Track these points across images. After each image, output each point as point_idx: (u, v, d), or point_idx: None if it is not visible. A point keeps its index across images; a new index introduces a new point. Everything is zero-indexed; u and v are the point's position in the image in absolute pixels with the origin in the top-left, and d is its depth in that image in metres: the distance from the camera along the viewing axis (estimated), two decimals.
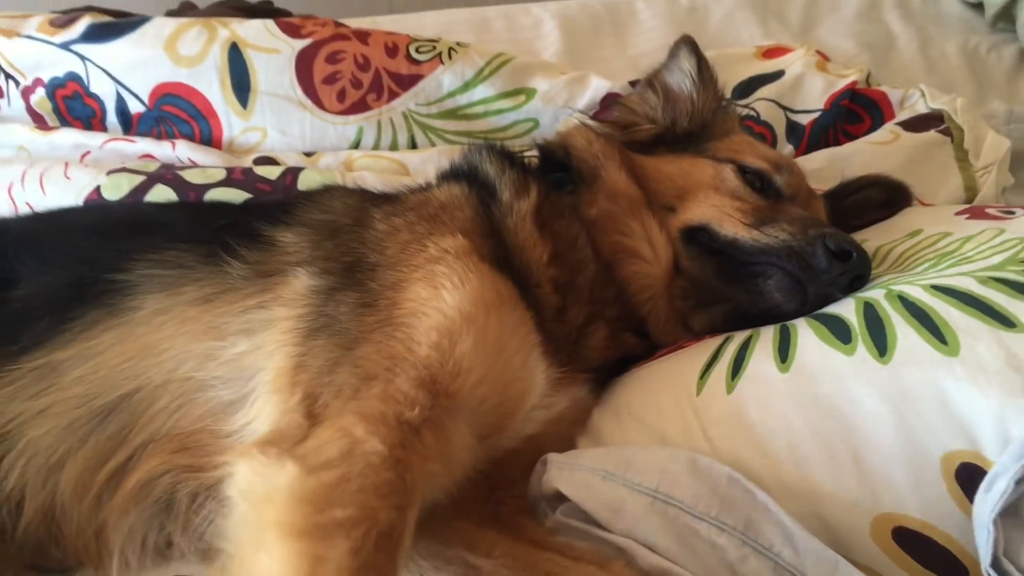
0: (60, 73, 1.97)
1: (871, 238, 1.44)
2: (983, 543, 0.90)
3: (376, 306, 1.11)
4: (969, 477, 0.98)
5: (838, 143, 1.93)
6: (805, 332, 1.17)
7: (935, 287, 1.14)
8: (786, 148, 1.93)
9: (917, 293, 1.14)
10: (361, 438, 0.94)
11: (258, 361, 1.11)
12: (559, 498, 1.15)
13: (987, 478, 0.94)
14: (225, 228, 1.26)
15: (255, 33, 1.93)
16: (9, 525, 1.15)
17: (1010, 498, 0.91)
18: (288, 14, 2.60)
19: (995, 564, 0.89)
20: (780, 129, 1.95)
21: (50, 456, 1.12)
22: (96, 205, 1.65)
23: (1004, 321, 1.06)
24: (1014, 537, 0.91)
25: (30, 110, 2.03)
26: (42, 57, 1.99)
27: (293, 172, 1.71)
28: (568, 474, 1.12)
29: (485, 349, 1.09)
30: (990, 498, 0.92)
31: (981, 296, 1.10)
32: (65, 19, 2.02)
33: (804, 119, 1.96)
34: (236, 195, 1.66)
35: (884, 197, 1.61)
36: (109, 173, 1.73)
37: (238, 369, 1.12)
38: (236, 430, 1.10)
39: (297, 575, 0.82)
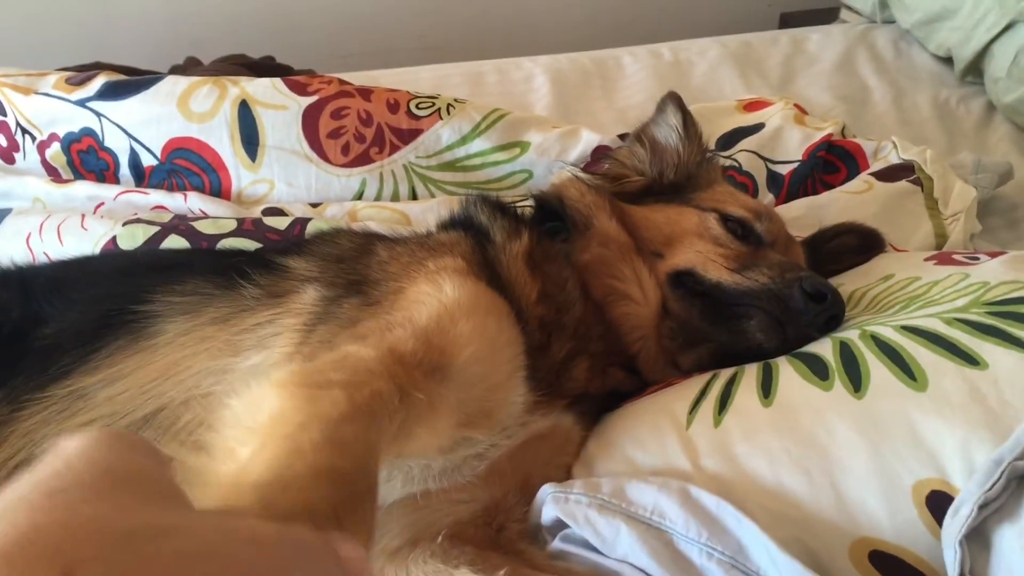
0: (76, 129, 2.07)
1: (847, 282, 1.53)
2: (951, 563, 0.98)
3: (378, 304, 1.19)
4: (938, 503, 1.06)
5: (816, 192, 2.02)
6: (786, 369, 1.26)
7: (905, 327, 1.23)
8: (767, 197, 2.02)
9: (888, 333, 1.23)
10: (355, 350, 0.98)
11: (268, 364, 1.18)
12: (559, 526, 1.22)
13: (954, 504, 1.03)
14: (242, 261, 1.35)
15: (263, 91, 2.03)
16: None
17: (974, 522, 0.99)
18: (290, 69, 2.73)
19: None
20: (761, 179, 2.05)
21: None
22: (117, 252, 1.73)
23: (968, 359, 1.15)
24: (979, 557, 0.99)
25: (45, 163, 2.12)
26: (58, 114, 2.08)
27: (302, 222, 1.80)
28: (567, 503, 1.20)
29: (481, 338, 1.14)
30: (956, 522, 1.00)
31: (947, 336, 1.19)
32: (81, 77, 2.11)
33: (784, 169, 2.06)
34: (247, 244, 1.74)
35: (859, 243, 1.70)
36: (124, 224, 1.81)
37: (253, 378, 1.19)
38: None
39: (296, 410, 0.82)
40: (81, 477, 0.41)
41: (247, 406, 0.87)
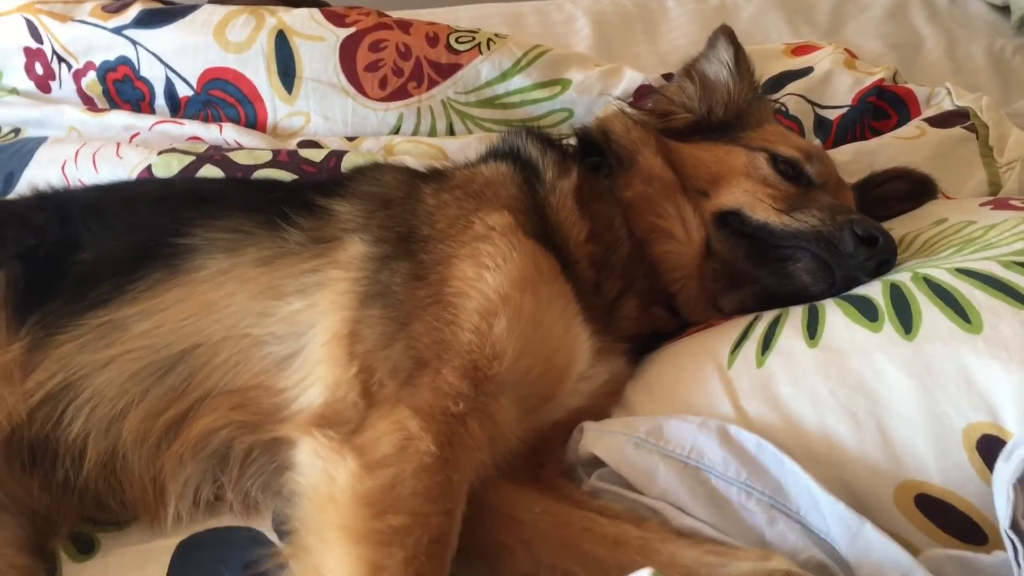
0: (112, 57, 2.05)
1: (897, 227, 1.49)
2: (1002, 507, 0.95)
3: (427, 280, 1.18)
4: (989, 448, 1.03)
5: (865, 138, 1.97)
6: (833, 311, 1.23)
7: (960, 270, 1.19)
8: (814, 142, 1.97)
9: (942, 275, 1.19)
10: (415, 434, 1.04)
11: (312, 318, 1.18)
12: (595, 463, 1.20)
13: (1007, 447, 0.99)
14: (281, 199, 1.33)
15: (301, 21, 2.00)
16: (72, 475, 1.21)
17: None
18: (327, 4, 2.67)
19: (1014, 526, 0.94)
20: (808, 123, 2.00)
21: (114, 405, 1.18)
22: (154, 179, 1.72)
23: None
24: None
25: (80, 92, 2.11)
26: (94, 41, 2.07)
27: (337, 155, 1.78)
28: (603, 440, 1.18)
29: (521, 326, 1.16)
30: (1010, 466, 0.96)
31: (1004, 279, 1.15)
32: (118, 5, 2.10)
33: (832, 114, 2.01)
34: (282, 176, 1.73)
35: (910, 189, 1.65)
36: (160, 153, 1.80)
37: (292, 325, 1.18)
38: (289, 386, 1.17)
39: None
40: None
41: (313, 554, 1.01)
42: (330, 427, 1.08)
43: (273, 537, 1.21)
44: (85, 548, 1.25)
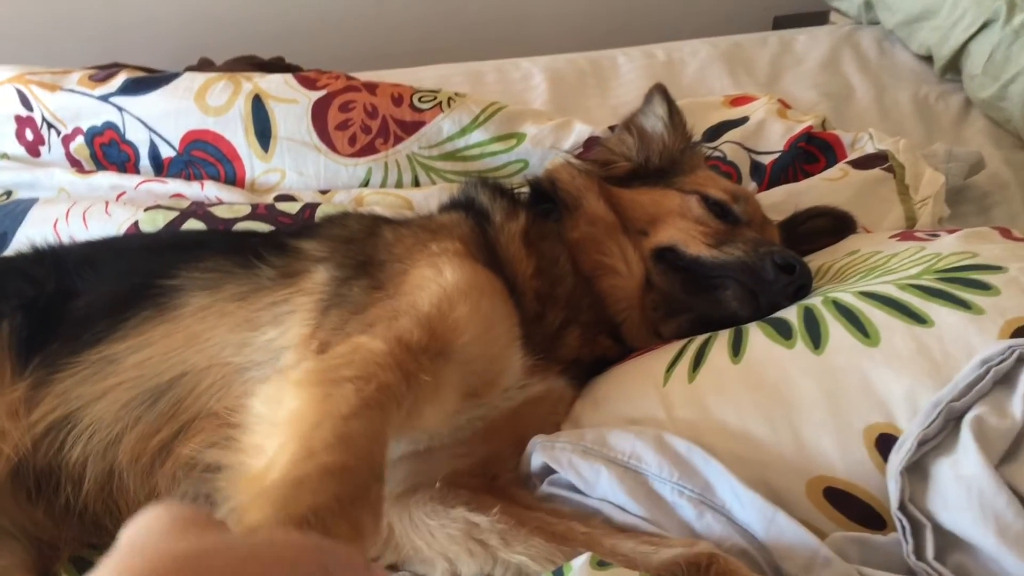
0: (99, 122, 2.20)
1: (817, 259, 1.64)
2: (893, 492, 1.10)
3: (384, 288, 1.31)
4: (886, 444, 1.18)
5: (796, 180, 2.14)
6: (754, 332, 1.39)
7: (862, 292, 1.36)
8: (750, 185, 2.14)
9: (848, 298, 1.36)
10: (365, 342, 1.13)
11: (285, 342, 1.31)
12: (547, 471, 1.34)
13: (898, 442, 1.15)
14: (257, 243, 1.47)
15: (276, 86, 2.16)
16: (72, 498, 1.33)
17: (914, 456, 1.11)
18: (299, 68, 2.85)
19: (902, 507, 1.09)
20: (745, 169, 2.17)
21: (110, 430, 1.30)
22: (141, 233, 1.86)
23: (917, 318, 1.27)
24: (918, 487, 1.11)
25: (69, 156, 2.25)
26: (82, 108, 2.21)
27: (311, 207, 1.92)
28: (553, 450, 1.32)
29: (478, 318, 1.27)
30: (899, 456, 1.12)
31: (899, 299, 1.31)
32: (103, 74, 2.24)
33: (766, 159, 2.18)
34: (261, 227, 1.87)
35: (832, 225, 1.81)
36: (146, 209, 1.93)
37: (269, 352, 1.31)
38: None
39: (304, 408, 1.00)
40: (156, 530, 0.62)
41: (270, 403, 1.07)
42: (287, 369, 1.18)
43: None
44: (85, 570, 1.36)
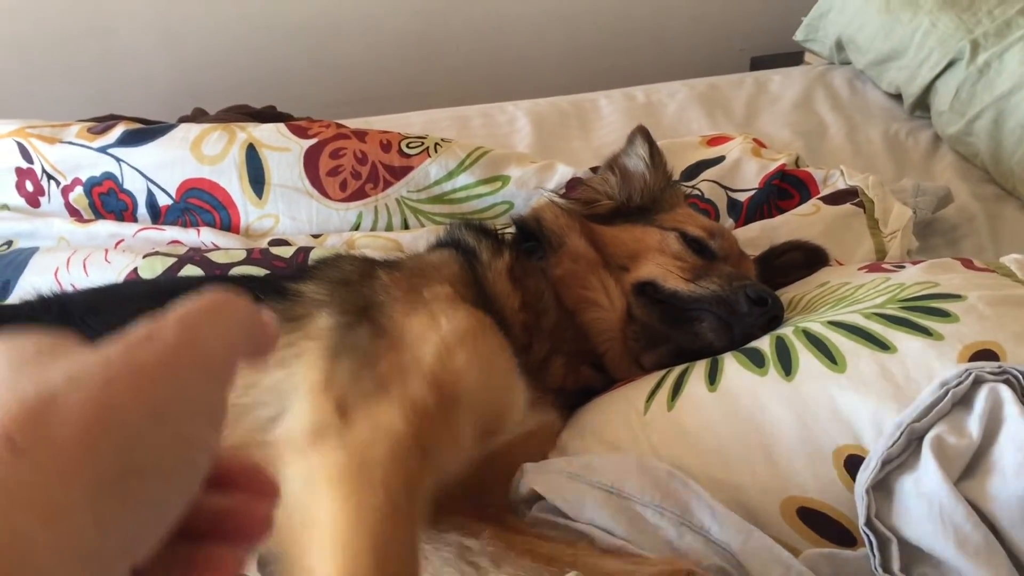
0: (97, 173, 2.27)
1: (789, 291, 1.72)
2: (860, 508, 1.17)
3: (387, 335, 1.37)
4: (854, 465, 1.24)
5: (772, 216, 2.22)
6: (730, 361, 1.46)
7: (830, 322, 1.43)
8: (727, 222, 2.22)
9: (816, 327, 1.43)
10: (388, 421, 1.18)
11: (293, 383, 1.36)
12: (534, 498, 1.40)
13: (864, 462, 1.22)
14: (256, 287, 1.54)
15: (268, 135, 2.24)
16: None
17: (879, 475, 1.18)
18: (290, 116, 2.94)
19: (868, 523, 1.15)
20: (722, 205, 2.25)
21: None
22: (141, 280, 1.92)
23: (881, 345, 1.35)
24: (884, 504, 1.17)
25: (68, 206, 2.32)
26: (81, 160, 2.28)
27: (304, 251, 1.99)
28: (540, 476, 1.38)
29: (476, 360, 1.34)
30: (864, 475, 1.18)
31: (864, 327, 1.39)
32: (102, 127, 2.32)
33: (742, 196, 2.27)
34: (256, 271, 1.93)
35: (805, 259, 1.89)
36: (144, 256, 2.00)
37: (276, 392, 1.37)
38: (278, 438, 1.35)
39: (346, 516, 1.06)
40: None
41: (303, 487, 1.12)
42: (316, 437, 1.20)
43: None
44: None
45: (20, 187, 2.36)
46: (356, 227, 2.20)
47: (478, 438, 1.34)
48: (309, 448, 1.20)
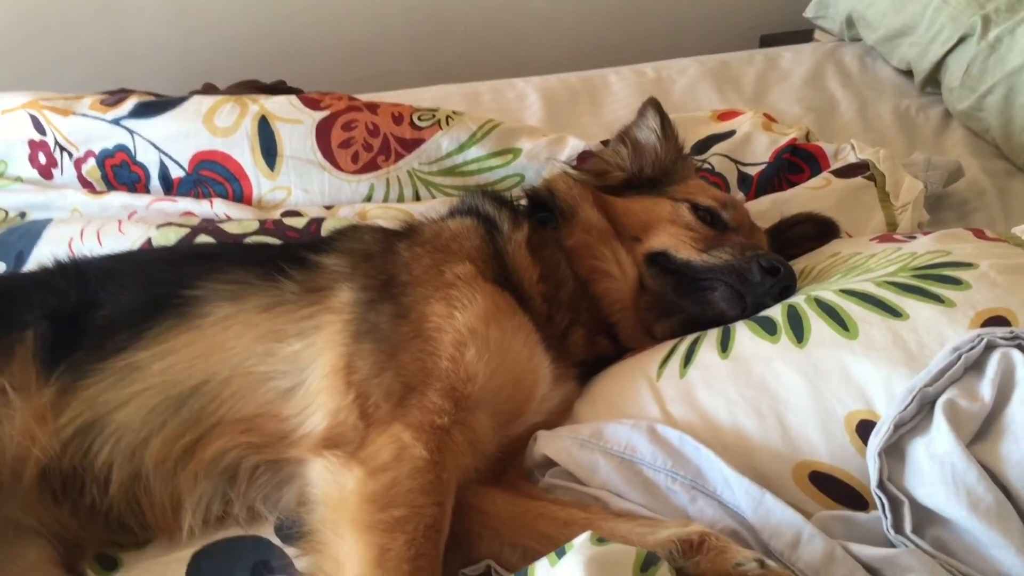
0: (110, 145, 2.27)
1: (801, 262, 1.72)
2: (872, 471, 1.18)
3: (408, 318, 1.40)
4: (866, 430, 1.26)
5: (782, 190, 2.22)
6: (741, 329, 1.47)
7: (842, 290, 1.44)
8: (738, 195, 2.22)
9: (829, 295, 1.44)
10: (408, 444, 1.26)
11: (311, 355, 1.39)
12: (548, 464, 1.42)
13: (877, 425, 1.23)
14: (276, 255, 1.55)
15: (280, 107, 2.24)
16: (98, 499, 1.40)
17: (891, 439, 1.19)
18: (301, 92, 2.93)
19: (881, 486, 1.17)
20: (732, 179, 2.25)
21: (137, 435, 1.38)
22: (159, 247, 1.93)
23: (892, 312, 1.35)
24: (895, 467, 1.19)
25: (81, 178, 2.32)
26: (94, 132, 2.28)
27: (317, 222, 2.00)
28: (553, 443, 1.40)
29: (489, 353, 1.38)
30: (877, 438, 1.20)
31: (876, 295, 1.40)
32: (114, 99, 2.33)
33: (753, 170, 2.27)
34: (269, 242, 1.94)
35: (816, 230, 1.89)
36: (158, 227, 2.01)
37: (294, 363, 1.39)
38: (294, 414, 1.37)
39: (369, 561, 1.16)
40: None
41: (332, 511, 1.25)
42: (336, 447, 1.30)
43: (276, 541, 1.40)
44: (109, 566, 1.42)
45: (33, 159, 2.36)
46: (368, 199, 2.21)
47: (503, 426, 1.39)
48: (329, 454, 1.28)
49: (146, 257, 1.78)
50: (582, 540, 1.05)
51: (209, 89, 3.04)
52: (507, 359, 1.42)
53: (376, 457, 1.26)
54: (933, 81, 2.83)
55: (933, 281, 1.39)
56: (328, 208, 2.16)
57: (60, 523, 1.42)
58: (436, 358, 1.36)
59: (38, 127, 2.34)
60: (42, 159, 2.36)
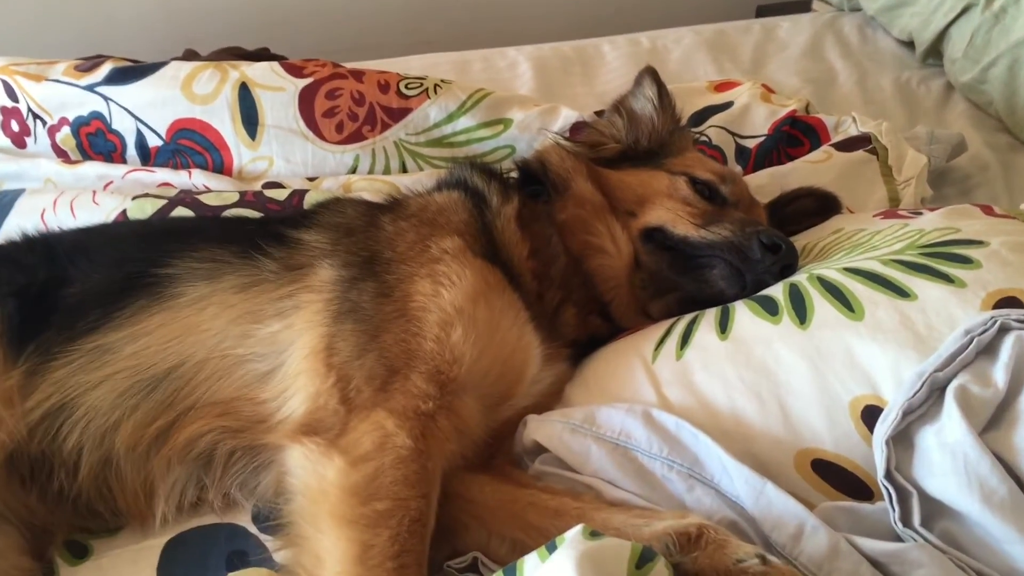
0: (85, 112, 2.19)
1: (802, 238, 1.66)
2: (879, 460, 1.12)
3: (392, 296, 1.34)
4: (872, 416, 1.20)
5: (781, 163, 2.16)
6: (741, 309, 1.40)
7: (847, 269, 1.38)
8: (736, 168, 2.15)
9: (832, 274, 1.38)
10: (391, 432, 1.20)
11: (290, 337, 1.32)
12: (538, 450, 1.36)
13: (883, 412, 1.17)
14: (253, 231, 1.48)
15: (262, 74, 2.16)
16: (66, 485, 1.34)
17: (899, 426, 1.13)
18: (285, 59, 2.84)
19: (888, 476, 1.11)
20: (730, 152, 2.19)
21: (107, 419, 1.31)
22: (133, 220, 1.86)
23: (900, 292, 1.29)
24: (902, 456, 1.13)
25: (55, 147, 2.24)
26: (68, 98, 2.20)
27: (299, 194, 1.93)
28: (544, 428, 1.34)
29: (476, 333, 1.31)
30: (884, 426, 1.14)
31: (883, 274, 1.33)
32: (89, 64, 2.24)
33: (751, 143, 2.20)
34: (250, 214, 1.87)
35: (816, 205, 1.83)
36: (134, 198, 1.93)
37: (272, 344, 1.33)
38: (271, 397, 1.31)
39: (351, 558, 1.10)
40: None
41: (310, 541, 1.16)
42: (316, 433, 1.23)
43: (253, 529, 1.34)
44: (79, 553, 1.37)
45: (5, 127, 2.27)
46: (353, 170, 2.13)
47: (491, 409, 1.33)
48: (308, 441, 1.21)
49: (119, 231, 1.71)
50: (574, 534, 0.99)
51: (190, 55, 2.94)
52: (495, 339, 1.35)
53: (358, 446, 1.19)
54: (935, 52, 2.75)
55: (942, 259, 1.33)
56: (311, 180, 2.09)
57: (28, 508, 1.36)
58: (421, 339, 1.30)
59: (10, 93, 2.25)
60: (15, 127, 2.27)
